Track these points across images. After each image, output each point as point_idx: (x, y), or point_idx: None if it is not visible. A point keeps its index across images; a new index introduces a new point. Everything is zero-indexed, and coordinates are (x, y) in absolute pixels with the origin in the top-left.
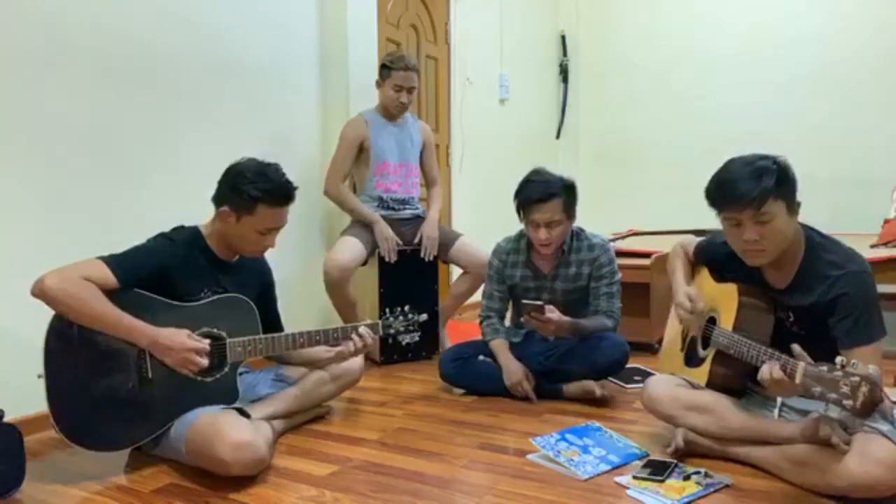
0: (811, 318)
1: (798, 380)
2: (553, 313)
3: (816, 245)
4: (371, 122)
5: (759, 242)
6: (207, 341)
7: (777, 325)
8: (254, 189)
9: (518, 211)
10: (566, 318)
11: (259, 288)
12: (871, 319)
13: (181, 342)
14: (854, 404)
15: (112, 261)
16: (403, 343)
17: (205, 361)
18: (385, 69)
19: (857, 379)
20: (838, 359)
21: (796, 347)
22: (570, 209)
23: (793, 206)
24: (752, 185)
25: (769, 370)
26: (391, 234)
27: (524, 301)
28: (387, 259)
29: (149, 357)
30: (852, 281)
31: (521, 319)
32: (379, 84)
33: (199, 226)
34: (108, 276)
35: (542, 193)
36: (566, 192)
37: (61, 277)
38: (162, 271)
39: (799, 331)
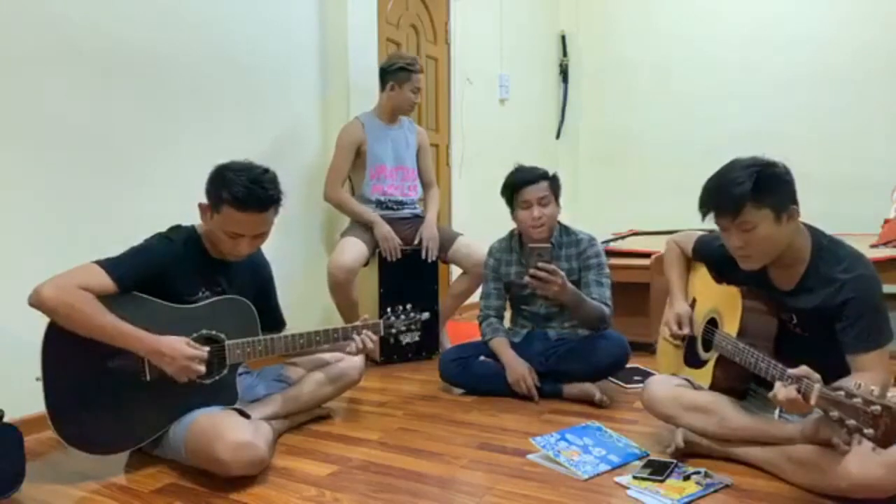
0: (815, 321)
1: (812, 401)
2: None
3: (823, 248)
4: (367, 126)
5: (743, 249)
6: (207, 349)
7: (779, 326)
8: (224, 188)
9: (509, 201)
10: (570, 283)
11: (258, 284)
12: (879, 324)
13: (180, 350)
14: (876, 434)
15: (109, 265)
16: (403, 343)
17: (202, 369)
18: (404, 72)
19: (878, 408)
20: (853, 382)
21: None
22: (556, 193)
23: (782, 213)
24: (727, 193)
25: (782, 390)
26: (391, 234)
27: (531, 245)
28: (389, 259)
29: (147, 359)
30: (860, 285)
31: (527, 276)
32: (393, 87)
33: (195, 225)
34: (106, 282)
35: (531, 175)
36: (550, 177)
37: (58, 287)
38: (161, 272)
39: (802, 333)
